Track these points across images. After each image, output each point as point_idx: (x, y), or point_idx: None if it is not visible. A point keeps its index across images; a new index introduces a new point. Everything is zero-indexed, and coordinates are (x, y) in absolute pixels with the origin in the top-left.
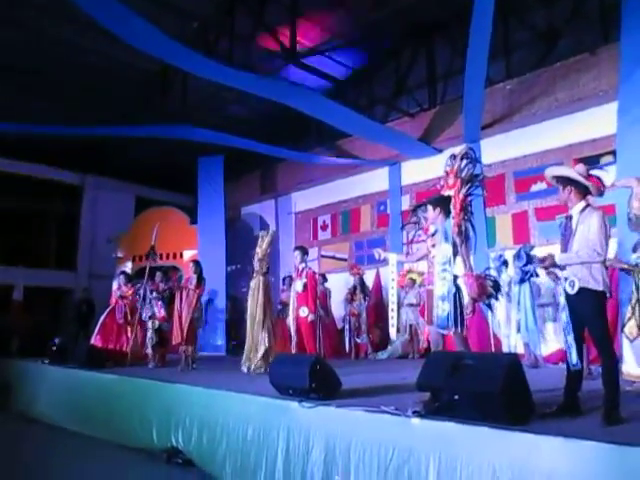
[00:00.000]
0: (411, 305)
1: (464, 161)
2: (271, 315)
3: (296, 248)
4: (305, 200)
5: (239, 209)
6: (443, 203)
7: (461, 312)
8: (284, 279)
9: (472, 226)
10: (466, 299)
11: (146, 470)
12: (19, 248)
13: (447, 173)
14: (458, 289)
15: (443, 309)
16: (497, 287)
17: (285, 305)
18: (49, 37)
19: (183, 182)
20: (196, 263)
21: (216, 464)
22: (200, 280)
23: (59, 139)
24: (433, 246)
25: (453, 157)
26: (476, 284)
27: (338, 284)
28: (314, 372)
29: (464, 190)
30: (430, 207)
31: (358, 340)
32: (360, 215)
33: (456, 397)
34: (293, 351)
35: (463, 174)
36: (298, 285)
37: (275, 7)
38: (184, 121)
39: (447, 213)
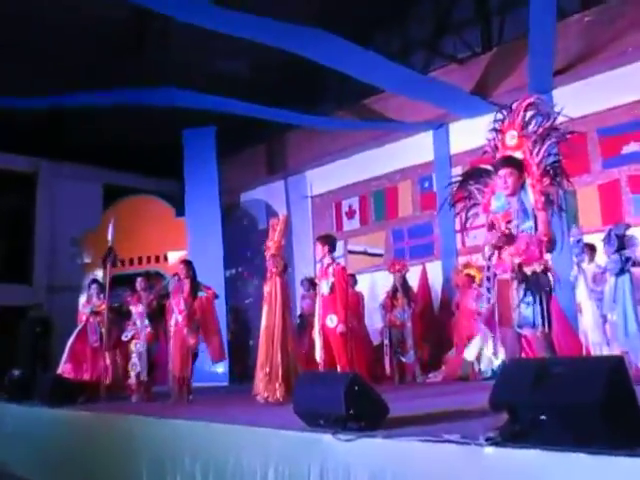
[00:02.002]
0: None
1: (529, 113)
2: (293, 328)
3: (319, 239)
4: (324, 179)
5: (238, 195)
6: (515, 166)
7: (547, 306)
8: (302, 282)
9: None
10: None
11: None
12: None
13: (500, 131)
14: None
15: (527, 304)
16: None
17: (306, 317)
18: None
19: (165, 163)
20: (187, 264)
21: None
22: (195, 287)
23: (4, 115)
24: (509, 222)
25: (508, 109)
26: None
27: (371, 287)
28: (352, 394)
29: (542, 148)
30: (506, 169)
31: (403, 359)
32: (398, 196)
33: (543, 417)
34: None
35: (532, 128)
36: (324, 286)
37: None
38: (164, 83)
39: (522, 181)
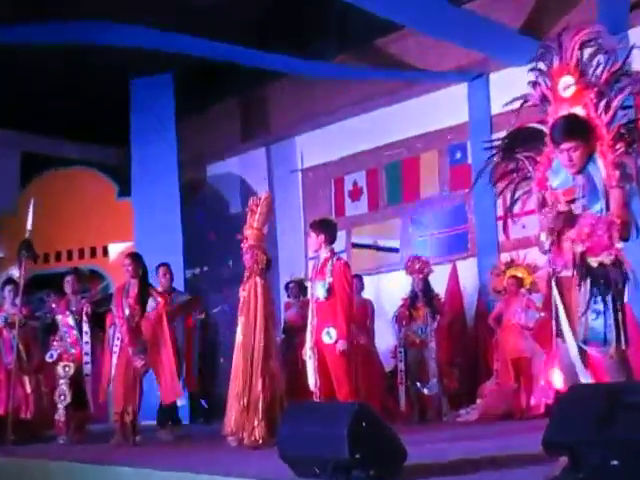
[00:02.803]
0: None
1: (588, 51)
2: (276, 345)
3: (314, 226)
4: (320, 147)
5: (204, 168)
6: (581, 135)
7: (623, 314)
8: (288, 286)
9: None
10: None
11: None
12: None
13: (548, 75)
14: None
15: (597, 312)
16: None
17: (293, 331)
18: None
19: (105, 125)
20: (135, 259)
21: None
22: (145, 291)
23: None
24: (572, 202)
25: (557, 45)
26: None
27: (382, 293)
28: (357, 432)
29: (612, 102)
30: (570, 143)
31: (424, 390)
32: (419, 169)
33: (614, 462)
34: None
35: (594, 73)
36: (319, 289)
37: None
38: (99, 15)
39: (590, 152)
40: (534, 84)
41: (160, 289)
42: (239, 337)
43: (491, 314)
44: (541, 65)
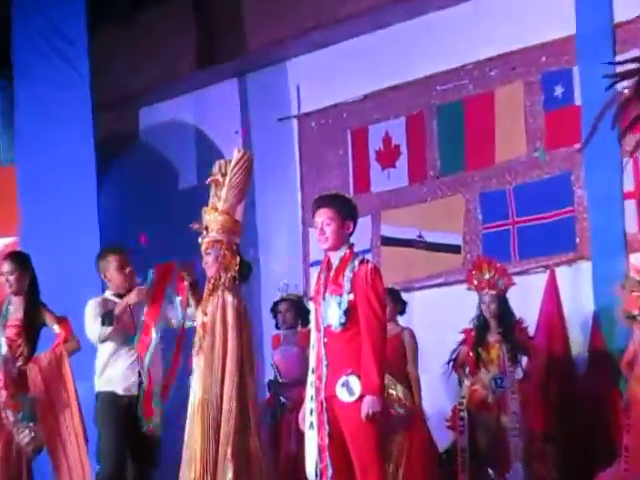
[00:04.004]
0: None
1: None
2: (258, 408)
3: (322, 203)
4: (327, 78)
5: (134, 113)
6: None
7: None
8: (276, 308)
9: None
10: None
11: None
12: None
13: None
14: None
15: None
16: None
17: (283, 384)
18: None
19: None
20: (18, 262)
21: None
22: (34, 311)
23: None
24: None
25: None
26: None
27: (430, 320)
28: None
29: None
30: None
31: None
32: (494, 115)
33: None
34: None
35: None
36: (332, 312)
37: None
38: None
39: None
40: None
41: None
42: (195, 394)
43: (623, 355)
44: None
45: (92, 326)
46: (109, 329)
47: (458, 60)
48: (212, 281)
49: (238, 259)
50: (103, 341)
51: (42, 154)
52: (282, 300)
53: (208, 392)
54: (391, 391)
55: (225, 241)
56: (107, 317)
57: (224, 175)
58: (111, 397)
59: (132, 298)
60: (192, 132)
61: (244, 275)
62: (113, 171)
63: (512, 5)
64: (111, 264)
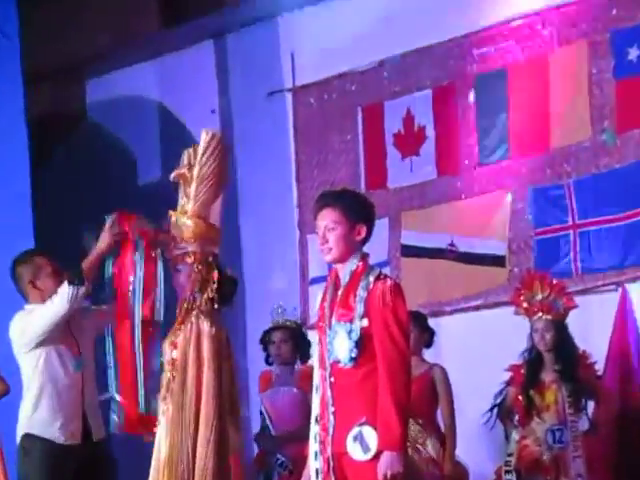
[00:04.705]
0: None
1: None
2: (240, 463)
3: (328, 201)
4: (330, 39)
5: (79, 85)
6: None
7: None
8: (266, 338)
9: None
10: None
11: None
12: None
13: None
14: None
15: None
16: None
17: (276, 439)
18: None
19: None
20: None
21: None
22: None
23: None
24: None
25: None
26: None
27: (467, 352)
28: None
29: None
30: None
31: None
32: (547, 86)
33: None
34: None
35: None
36: (340, 343)
37: None
38: None
39: None
40: None
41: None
42: (160, 449)
43: None
44: None
45: (47, 306)
46: (82, 289)
47: (501, 14)
48: (184, 305)
49: (216, 274)
50: (72, 308)
51: None
52: (275, 328)
53: (177, 448)
54: (419, 447)
55: (198, 252)
56: (75, 275)
57: (192, 167)
58: (45, 446)
59: (103, 244)
60: (154, 111)
61: (225, 296)
62: (53, 159)
63: None
64: (43, 270)
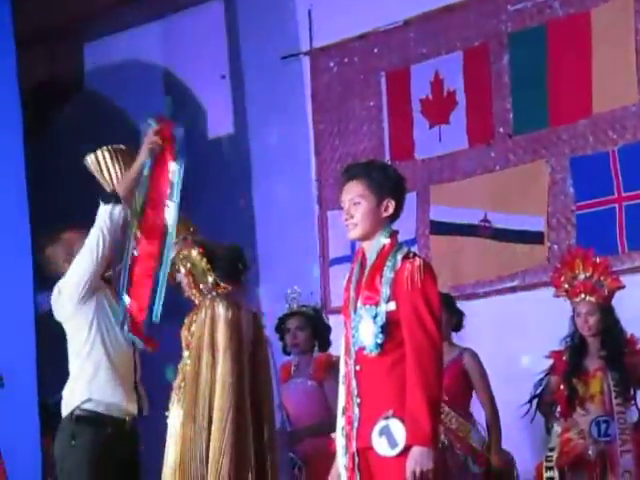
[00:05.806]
0: None
1: None
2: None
3: (354, 173)
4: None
5: (77, 49)
6: None
7: None
8: (283, 325)
9: None
10: None
11: None
12: None
13: None
14: None
15: None
16: None
17: (294, 434)
18: None
19: None
20: None
21: None
22: None
23: None
24: None
25: None
26: None
27: (502, 338)
28: None
29: None
30: None
31: None
32: (590, 46)
33: None
34: None
35: None
36: (366, 328)
37: None
38: None
39: None
40: None
41: None
42: (171, 449)
43: None
44: None
45: (88, 240)
46: (118, 207)
47: None
48: (194, 293)
49: (195, 251)
50: (115, 231)
51: None
52: (291, 314)
53: (189, 447)
54: (461, 435)
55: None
56: (107, 196)
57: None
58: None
59: (144, 155)
60: (159, 76)
61: (227, 269)
62: (48, 129)
63: None
64: (76, 244)
